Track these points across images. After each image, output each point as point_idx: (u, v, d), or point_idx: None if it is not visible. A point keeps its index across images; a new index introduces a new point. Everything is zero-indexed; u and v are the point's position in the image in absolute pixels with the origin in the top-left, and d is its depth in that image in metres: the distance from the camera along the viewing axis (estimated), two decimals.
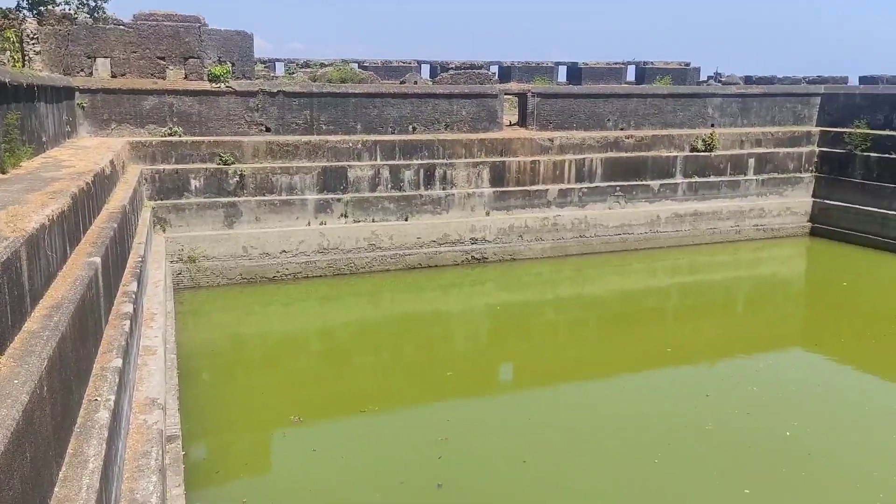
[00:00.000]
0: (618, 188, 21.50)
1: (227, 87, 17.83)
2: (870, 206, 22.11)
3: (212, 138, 17.64)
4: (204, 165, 17.34)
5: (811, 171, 23.94)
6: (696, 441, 9.91)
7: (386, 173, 18.96)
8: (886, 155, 21.98)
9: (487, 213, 20.00)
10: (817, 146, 24.04)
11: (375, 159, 19.01)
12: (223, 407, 10.89)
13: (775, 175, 23.51)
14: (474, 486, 8.75)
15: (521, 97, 21.70)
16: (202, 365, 12.56)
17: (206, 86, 17.78)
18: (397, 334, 14.70)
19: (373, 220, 18.84)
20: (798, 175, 23.80)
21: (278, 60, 34.25)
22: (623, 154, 21.65)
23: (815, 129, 24.24)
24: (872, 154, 22.35)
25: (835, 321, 15.56)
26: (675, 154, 22.23)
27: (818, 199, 23.67)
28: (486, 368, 13.05)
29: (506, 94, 21.84)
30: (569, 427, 10.40)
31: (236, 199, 17.49)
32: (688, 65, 33.00)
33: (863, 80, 27.62)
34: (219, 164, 17.40)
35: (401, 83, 24.48)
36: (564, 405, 11.27)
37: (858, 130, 22.91)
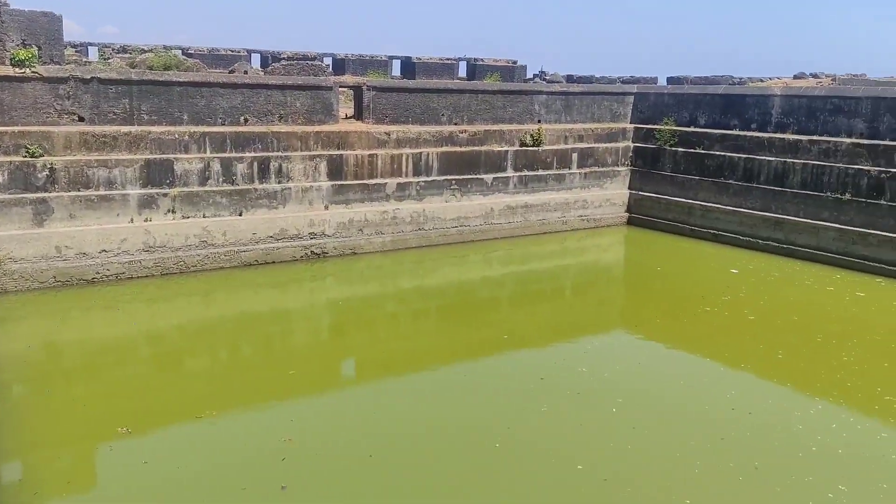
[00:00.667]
0: (454, 182, 21.98)
1: (32, 72, 16.20)
2: (678, 196, 24.22)
3: (16, 128, 15.97)
4: (8, 158, 15.67)
5: (627, 165, 25.80)
6: (532, 423, 10.37)
7: (217, 166, 18.12)
8: (691, 150, 24.15)
9: (326, 207, 19.71)
10: (632, 142, 25.94)
11: (205, 152, 18.11)
12: (40, 422, 9.93)
13: (596, 169, 25.10)
14: (320, 484, 8.61)
15: (357, 90, 21.56)
16: (12, 377, 11.37)
17: (9, 71, 16.05)
18: (234, 335, 14.13)
19: (204, 216, 17.95)
20: (616, 168, 25.56)
21: (91, 45, 31.67)
22: (458, 148, 22.15)
23: (630, 126, 26.14)
24: (679, 149, 24.47)
25: (651, 303, 16.88)
26: (506, 149, 23.08)
27: (634, 191, 25.57)
28: (329, 365, 12.87)
29: (341, 86, 21.60)
30: (413, 418, 10.51)
31: (47, 194, 15.97)
32: (515, 63, 34.37)
33: (670, 80, 30.15)
34: (25, 156, 15.79)
35: (230, 72, 23.49)
36: (408, 396, 11.38)
37: (667, 127, 24.98)
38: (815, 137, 21.18)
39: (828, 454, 9.56)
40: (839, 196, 20.00)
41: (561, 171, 24.27)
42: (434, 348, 13.78)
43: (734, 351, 13.49)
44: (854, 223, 19.65)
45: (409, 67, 32.69)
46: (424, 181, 21.43)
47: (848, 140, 20.40)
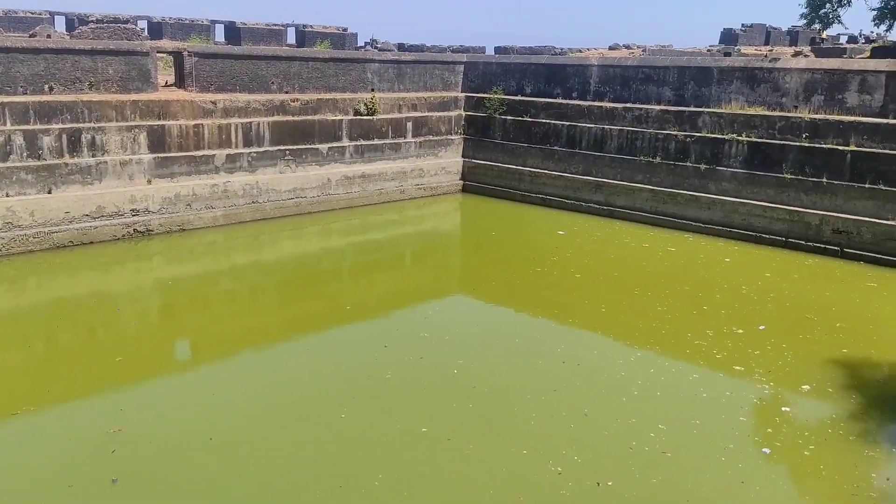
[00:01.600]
0: (287, 152, 21.37)
1: None
2: (509, 163, 25.09)
3: None
4: None
5: (460, 134, 26.32)
6: (377, 391, 10.42)
7: (20, 140, 16.39)
8: (519, 118, 25.03)
9: (149, 182, 18.47)
10: (464, 110, 26.46)
11: (4, 124, 16.30)
12: None
13: (431, 137, 25.39)
14: (156, 474, 8.15)
15: (178, 56, 20.24)
16: None
17: None
18: (50, 323, 12.96)
19: (6, 195, 16.23)
20: (449, 137, 26.00)
21: None
22: (290, 118, 21.51)
23: (461, 95, 26.63)
24: (508, 117, 25.29)
25: (487, 267, 17.45)
26: (340, 118, 22.73)
27: (468, 159, 26.18)
28: (160, 349, 12.17)
29: (158, 52, 20.19)
30: (255, 397, 10.21)
31: None
32: (345, 30, 33.76)
33: (497, 50, 30.96)
34: None
35: (31, 36, 21.23)
36: (248, 375, 11.03)
37: (496, 96, 25.70)
38: (629, 105, 22.68)
39: (648, 397, 10.42)
40: (651, 159, 21.62)
41: (397, 141, 24.31)
42: (274, 324, 13.44)
43: (563, 307, 14.28)
44: (664, 184, 21.34)
45: (233, 33, 31.13)
46: (256, 152, 20.65)
47: (657, 107, 22.04)
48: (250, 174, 20.51)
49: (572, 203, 23.20)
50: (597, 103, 23.42)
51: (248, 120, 20.50)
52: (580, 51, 30.60)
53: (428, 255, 19.26)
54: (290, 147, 21.43)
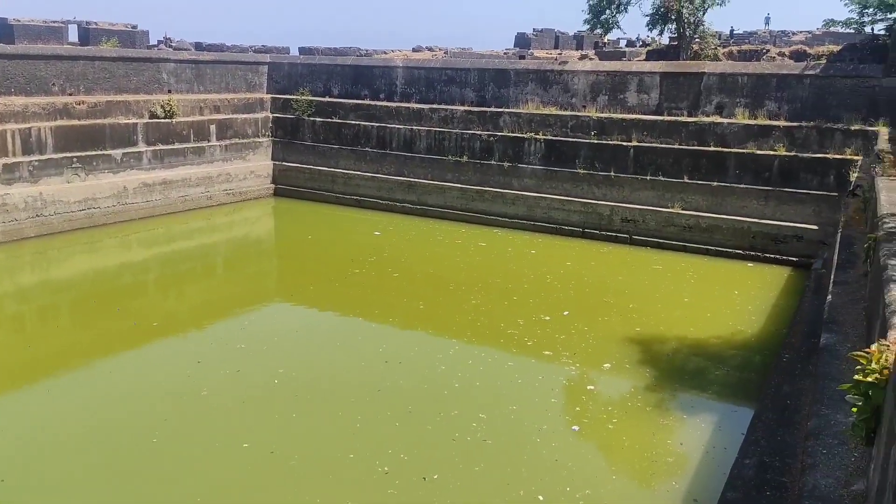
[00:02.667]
0: (75, 160, 19.57)
1: None
2: (321, 165, 24.77)
3: None
4: None
5: (268, 136, 25.59)
6: (193, 409, 9.85)
7: None
8: (328, 119, 24.80)
9: None
10: (270, 112, 25.75)
11: None
12: None
13: (237, 140, 24.44)
14: None
15: None
16: None
17: None
18: None
19: None
20: (257, 140, 25.18)
21: None
22: (77, 122, 19.71)
23: (267, 97, 25.89)
24: (318, 119, 24.97)
25: (304, 271, 17.12)
26: (135, 121, 21.20)
27: (278, 162, 25.51)
28: None
29: None
30: (49, 430, 9.23)
31: None
32: (135, 27, 31.51)
33: (302, 50, 30.41)
34: None
35: None
36: (43, 406, 9.95)
37: (303, 97, 25.27)
38: (435, 106, 23.27)
39: (468, 388, 10.75)
40: (458, 158, 22.34)
41: (200, 144, 23.13)
42: (70, 347, 12.24)
43: (383, 307, 14.36)
44: (472, 182, 22.14)
45: (5, 31, 27.92)
46: (38, 160, 18.71)
47: (462, 108, 22.81)
48: (32, 185, 18.55)
49: (387, 203, 23.39)
50: (404, 104, 23.79)
51: (27, 125, 18.52)
52: (385, 52, 30.88)
53: (241, 263, 18.52)
54: (79, 154, 19.65)
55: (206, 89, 24.14)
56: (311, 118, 25.03)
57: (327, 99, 25.19)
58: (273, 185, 25.45)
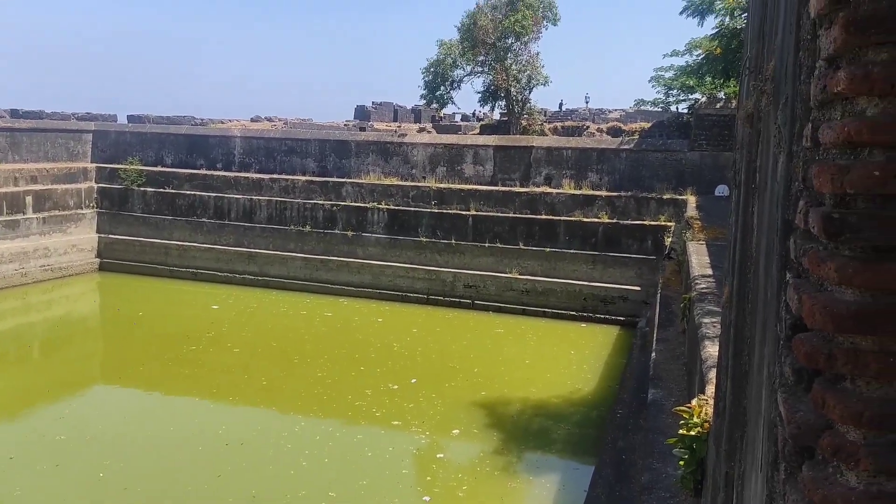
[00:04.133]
0: None
1: None
2: (153, 237, 23.50)
3: None
4: None
5: (93, 208, 24.00)
6: None
7: None
8: (161, 189, 23.72)
9: None
10: (95, 182, 24.25)
11: None
12: None
13: (57, 213, 22.72)
14: None
15: None
16: None
17: None
18: None
19: None
20: (80, 212, 23.54)
21: None
22: None
23: (91, 166, 24.40)
24: (149, 189, 23.81)
25: (134, 351, 15.96)
26: None
27: (104, 235, 23.90)
28: None
29: None
30: None
31: None
32: None
33: (131, 118, 29.09)
34: None
35: None
36: None
37: (133, 167, 24.06)
38: (275, 176, 23.00)
39: (316, 466, 10.38)
40: (301, 228, 22.09)
41: (14, 217, 21.24)
42: None
43: (222, 385, 13.65)
44: (316, 251, 21.92)
45: None
46: None
47: (303, 178, 22.71)
48: None
49: (226, 276, 22.52)
50: (243, 174, 23.31)
51: None
52: (222, 122, 30.30)
53: (61, 345, 16.96)
54: None
55: (23, 158, 22.40)
56: (142, 188, 23.84)
57: (160, 168, 24.16)
58: (98, 260, 23.75)
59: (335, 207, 21.91)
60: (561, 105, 44.00)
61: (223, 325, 17.93)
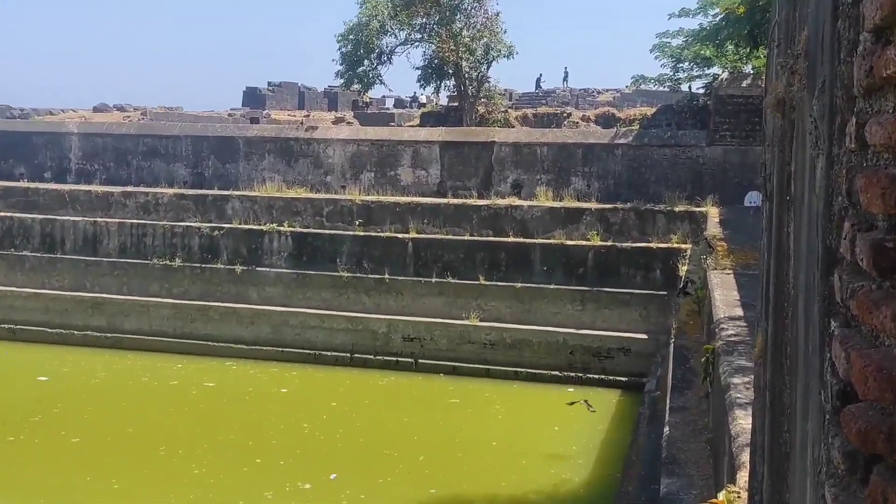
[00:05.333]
0: None
1: None
2: None
3: None
4: None
5: None
6: None
7: None
8: None
9: None
10: None
11: None
12: None
13: None
14: None
15: None
16: None
17: None
18: None
19: None
20: None
21: None
22: None
23: None
24: None
25: None
26: None
27: None
28: None
29: None
30: None
31: None
32: None
33: None
34: None
35: None
36: None
37: None
38: (130, 189, 22.72)
39: None
40: (169, 262, 21.80)
41: None
42: None
43: (55, 491, 13.29)
44: (190, 295, 21.62)
45: None
46: None
47: (171, 190, 22.48)
48: None
49: (59, 333, 21.98)
50: (83, 187, 22.96)
51: None
52: (52, 112, 29.88)
53: None
54: None
55: None
56: None
57: None
58: None
59: (217, 232, 21.72)
60: (539, 82, 44.74)
61: (55, 404, 17.50)
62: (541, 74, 44.85)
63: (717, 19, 22.09)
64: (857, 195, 1.48)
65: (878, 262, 1.34)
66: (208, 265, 21.71)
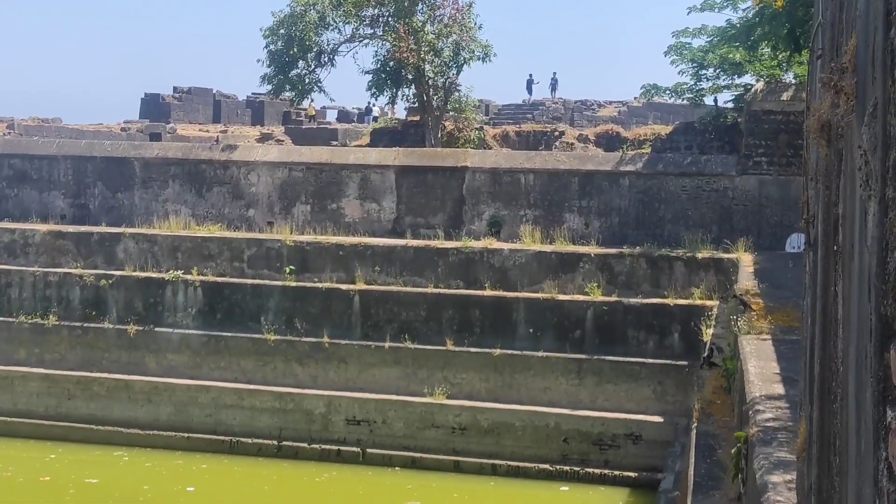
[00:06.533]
0: None
1: None
2: None
3: None
4: None
5: None
6: None
7: None
8: None
9: None
10: None
11: None
12: None
13: None
14: None
15: None
16: None
17: None
18: None
19: None
20: None
21: None
22: None
23: None
24: None
25: None
26: None
27: None
28: None
29: None
30: None
31: None
32: None
33: None
34: None
35: None
36: None
37: None
38: None
39: None
40: (41, 320, 21.56)
41: None
42: None
43: None
44: (68, 364, 21.37)
45: None
46: None
47: (44, 227, 22.31)
48: None
49: None
50: None
51: None
52: None
53: None
54: None
55: None
56: None
57: None
58: None
59: (105, 281, 21.56)
60: (530, 85, 44.76)
61: None
62: (531, 75, 44.62)
63: (750, 14, 22.21)
64: None
65: None
66: (92, 324, 21.51)
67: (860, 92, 2.10)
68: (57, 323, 21.61)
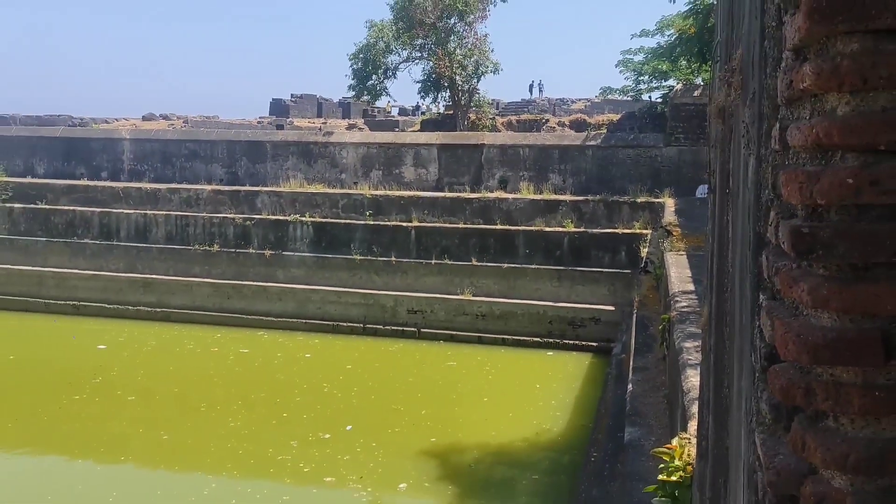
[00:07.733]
0: None
1: None
2: (23, 264, 22.82)
3: None
4: None
5: None
6: None
7: None
8: (32, 205, 23.11)
9: None
10: None
11: None
12: None
13: None
14: None
15: None
16: None
17: None
18: None
19: None
20: None
21: None
22: None
23: None
24: (16, 205, 23.16)
25: (3, 405, 15.45)
26: None
27: None
28: None
29: None
30: None
31: None
32: None
33: None
34: None
35: None
36: None
37: None
38: (174, 186, 22.66)
39: None
40: (208, 248, 21.79)
41: None
42: None
43: (113, 442, 13.32)
44: (227, 275, 21.63)
45: None
46: None
47: (209, 187, 22.43)
48: None
49: (115, 308, 21.99)
50: (134, 184, 22.91)
51: None
52: (107, 121, 29.76)
53: None
54: None
55: None
56: (7, 204, 23.19)
57: (30, 180, 23.58)
58: None
59: (249, 222, 21.69)
60: (532, 88, 44.41)
61: (113, 368, 17.51)
62: (532, 81, 44.73)
63: (672, 39, 22.15)
64: (780, 189, 1.50)
65: (796, 245, 1.36)
66: (242, 250, 21.71)
67: (744, 85, 2.07)
68: (219, 250, 21.81)
